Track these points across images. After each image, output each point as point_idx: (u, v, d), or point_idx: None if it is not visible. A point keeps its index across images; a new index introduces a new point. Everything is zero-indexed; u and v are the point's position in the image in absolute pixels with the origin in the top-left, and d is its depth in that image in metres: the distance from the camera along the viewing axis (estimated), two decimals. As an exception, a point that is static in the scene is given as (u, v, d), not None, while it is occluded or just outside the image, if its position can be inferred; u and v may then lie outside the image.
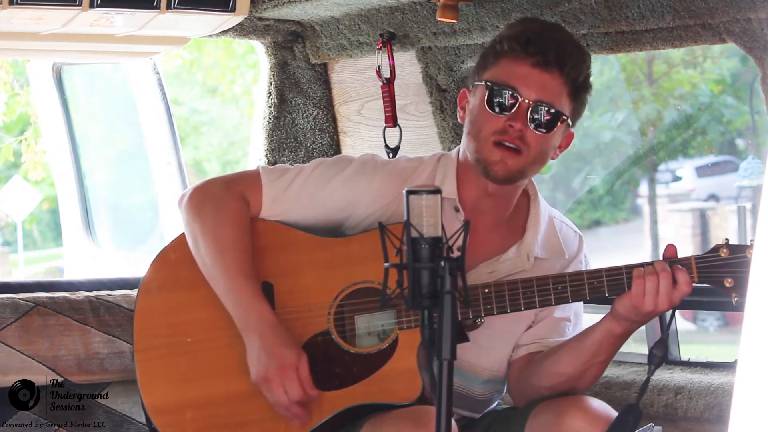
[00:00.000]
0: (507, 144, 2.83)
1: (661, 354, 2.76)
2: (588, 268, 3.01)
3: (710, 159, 14.63)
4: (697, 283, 2.73)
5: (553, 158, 2.94)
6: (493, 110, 2.84)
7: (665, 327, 2.88)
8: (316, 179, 2.95)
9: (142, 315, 2.91)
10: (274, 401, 2.79)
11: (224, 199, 2.93)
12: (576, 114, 2.91)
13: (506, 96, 2.83)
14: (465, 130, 2.91)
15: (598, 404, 2.76)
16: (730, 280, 2.71)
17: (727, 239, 2.74)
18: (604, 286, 2.74)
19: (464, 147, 2.93)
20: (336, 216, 2.94)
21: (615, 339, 2.80)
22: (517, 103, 2.82)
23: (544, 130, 2.83)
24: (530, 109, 2.82)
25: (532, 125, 2.82)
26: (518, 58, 2.83)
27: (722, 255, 2.71)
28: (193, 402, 2.86)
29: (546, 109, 2.82)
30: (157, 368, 2.88)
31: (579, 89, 2.88)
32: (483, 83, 2.86)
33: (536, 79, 2.83)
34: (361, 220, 2.93)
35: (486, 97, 2.85)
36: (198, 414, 2.86)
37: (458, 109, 2.98)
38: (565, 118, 2.85)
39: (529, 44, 2.83)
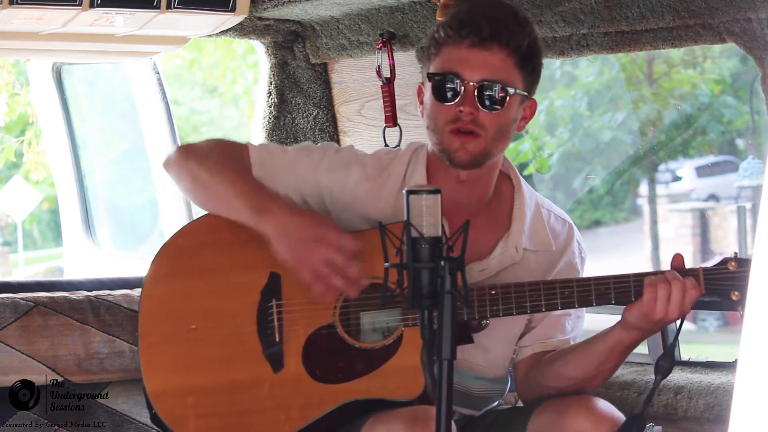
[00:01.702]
0: (462, 130, 2.81)
1: (668, 365, 2.76)
2: (582, 256, 3.02)
3: (710, 159, 14.63)
4: (703, 294, 2.73)
5: (518, 130, 2.90)
6: (442, 100, 2.82)
7: (674, 336, 2.88)
8: (300, 160, 2.95)
9: (149, 301, 2.91)
10: (332, 267, 2.72)
11: (215, 144, 2.96)
12: (530, 82, 2.86)
13: (450, 83, 2.81)
14: (425, 124, 2.90)
15: (602, 404, 2.76)
16: (736, 293, 2.70)
17: (735, 253, 2.74)
18: (611, 293, 2.74)
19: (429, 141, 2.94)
20: (322, 198, 2.93)
21: (624, 348, 2.80)
22: (462, 87, 2.80)
23: (496, 107, 2.80)
24: (476, 90, 2.79)
25: (482, 106, 2.79)
26: (455, 42, 2.81)
27: (730, 268, 2.71)
28: (195, 388, 2.86)
29: (492, 86, 2.79)
30: (161, 354, 2.88)
31: (525, 57, 2.82)
32: (428, 75, 2.86)
33: (476, 59, 2.80)
34: (344, 209, 2.93)
35: (432, 89, 2.84)
36: (199, 400, 2.85)
37: (418, 105, 2.96)
38: (512, 90, 2.81)
39: (462, 26, 2.80)
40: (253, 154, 2.94)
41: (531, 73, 2.86)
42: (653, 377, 3.39)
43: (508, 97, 2.80)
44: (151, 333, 2.89)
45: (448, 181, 2.88)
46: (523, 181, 3.02)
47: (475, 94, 2.79)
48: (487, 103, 2.80)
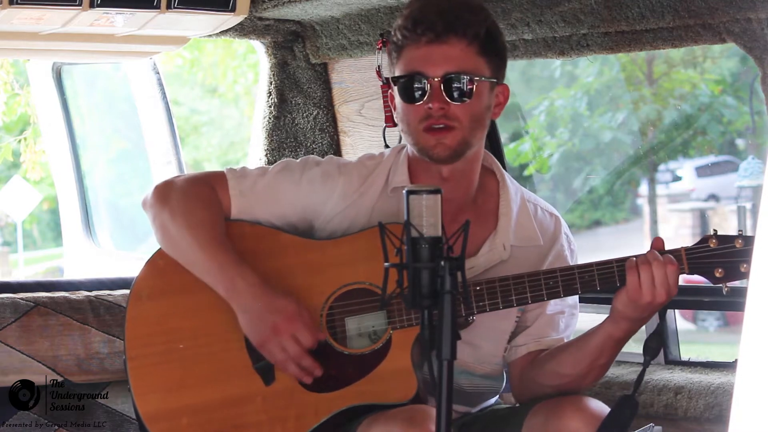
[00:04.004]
0: (435, 126, 2.80)
1: (656, 345, 2.77)
2: (572, 248, 3.01)
3: (710, 159, 14.65)
4: (687, 274, 2.74)
5: (493, 117, 2.91)
6: (410, 100, 2.82)
7: (661, 319, 2.88)
8: (282, 179, 2.94)
9: (134, 323, 2.89)
10: (288, 355, 2.76)
11: (191, 187, 2.93)
12: (496, 68, 2.85)
13: (414, 83, 2.80)
14: (399, 129, 2.90)
15: (595, 405, 2.76)
16: (720, 270, 2.72)
17: (715, 230, 2.76)
18: (596, 279, 2.74)
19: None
20: (305, 215, 2.93)
21: (615, 342, 2.79)
22: (429, 85, 2.79)
23: (465, 99, 2.80)
24: (442, 85, 2.78)
25: (451, 99, 2.79)
26: (413, 42, 2.81)
27: (711, 246, 2.73)
28: (188, 408, 2.85)
29: (458, 78, 2.78)
30: (151, 376, 2.86)
31: (486, 44, 2.81)
32: (393, 80, 2.86)
33: (435, 54, 2.79)
34: (329, 220, 2.92)
35: (399, 91, 2.84)
36: (194, 420, 2.84)
37: (392, 111, 2.94)
38: (478, 78, 2.80)
39: (416, 25, 2.80)
40: (232, 188, 2.93)
41: (495, 58, 2.85)
42: (653, 376, 3.40)
43: (475, 87, 2.80)
44: (139, 355, 2.87)
45: (430, 180, 2.88)
46: (507, 175, 3.01)
47: (442, 88, 2.79)
48: (455, 95, 2.79)
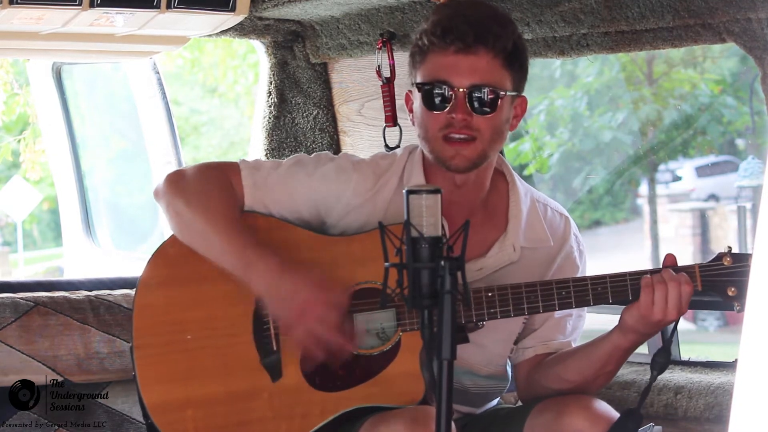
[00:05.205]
0: (456, 136, 2.80)
1: (664, 360, 2.76)
2: (581, 249, 3.01)
3: (710, 159, 14.65)
4: (700, 291, 2.73)
5: (511, 129, 2.90)
6: (433, 108, 2.81)
7: (668, 334, 2.88)
8: (294, 174, 2.93)
9: (142, 312, 2.88)
10: (323, 329, 2.73)
11: (205, 173, 2.91)
12: (518, 80, 2.85)
13: (440, 91, 2.79)
14: (417, 132, 2.88)
15: (599, 404, 2.76)
16: (733, 289, 2.71)
17: (730, 247, 2.74)
18: (608, 292, 2.74)
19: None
20: (318, 210, 2.91)
21: (623, 352, 2.80)
22: (453, 94, 2.78)
23: (488, 111, 2.79)
24: (467, 96, 2.78)
25: (474, 111, 2.78)
26: (440, 49, 2.79)
27: (725, 264, 2.72)
28: (193, 400, 2.84)
29: (482, 90, 2.78)
30: (157, 366, 2.86)
31: (511, 57, 2.81)
32: (417, 85, 2.85)
33: (463, 64, 2.78)
34: (342, 217, 2.91)
35: (422, 98, 2.82)
36: (198, 412, 2.84)
37: (408, 112, 2.94)
38: (502, 93, 2.80)
39: (445, 33, 2.78)
40: (245, 178, 2.91)
41: (519, 71, 2.84)
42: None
43: (499, 100, 2.80)
44: (146, 344, 2.86)
45: (444, 184, 2.86)
46: (516, 176, 3.01)
47: (466, 99, 2.78)
48: (478, 106, 2.78)
